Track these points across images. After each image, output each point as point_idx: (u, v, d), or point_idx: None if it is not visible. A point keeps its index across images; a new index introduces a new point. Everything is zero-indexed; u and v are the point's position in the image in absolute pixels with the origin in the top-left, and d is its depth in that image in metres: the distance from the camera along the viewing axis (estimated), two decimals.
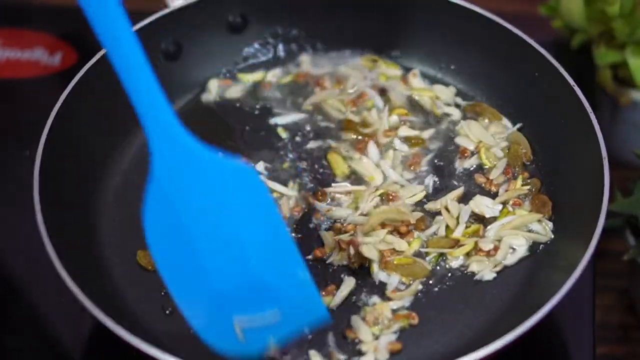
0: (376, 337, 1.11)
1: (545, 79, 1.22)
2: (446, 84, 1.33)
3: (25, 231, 1.18)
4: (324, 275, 1.15)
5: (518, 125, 1.26)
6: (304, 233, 1.19)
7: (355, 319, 1.12)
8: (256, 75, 1.35)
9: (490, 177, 1.22)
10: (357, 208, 1.19)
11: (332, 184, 1.23)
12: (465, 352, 1.01)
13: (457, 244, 1.16)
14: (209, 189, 0.97)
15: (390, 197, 1.20)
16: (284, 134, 1.29)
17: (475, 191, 1.22)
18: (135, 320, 1.11)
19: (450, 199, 1.19)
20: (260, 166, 1.25)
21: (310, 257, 1.16)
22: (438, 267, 1.16)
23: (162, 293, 1.13)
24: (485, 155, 1.23)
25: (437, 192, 1.22)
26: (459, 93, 1.32)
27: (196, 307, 1.01)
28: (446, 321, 1.12)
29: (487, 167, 1.23)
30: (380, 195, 1.20)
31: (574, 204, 1.16)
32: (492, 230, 1.17)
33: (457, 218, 1.18)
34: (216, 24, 1.32)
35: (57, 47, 1.45)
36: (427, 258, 1.16)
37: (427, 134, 1.28)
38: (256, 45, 1.36)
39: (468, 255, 1.16)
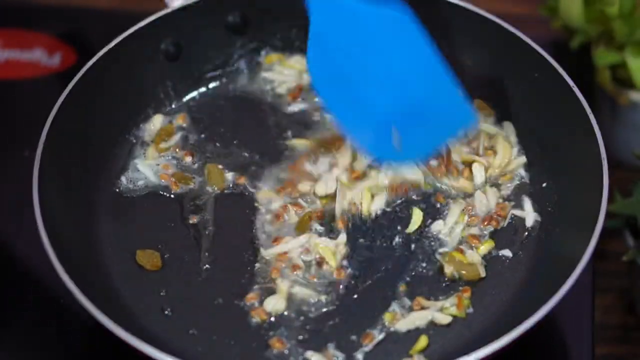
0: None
1: (544, 79, 1.22)
2: None
3: (25, 231, 1.20)
4: None
5: None
6: None
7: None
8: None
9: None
10: None
11: None
12: (465, 353, 1.01)
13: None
14: (364, 32, 1.09)
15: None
16: None
17: None
18: (134, 320, 1.11)
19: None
20: None
21: None
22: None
23: (162, 293, 1.14)
24: None
25: None
26: None
27: (359, 128, 1.12)
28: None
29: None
30: None
31: (573, 204, 1.16)
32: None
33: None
34: (216, 25, 1.32)
35: (57, 48, 1.45)
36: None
37: None
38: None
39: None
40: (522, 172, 1.24)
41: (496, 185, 1.23)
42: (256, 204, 1.22)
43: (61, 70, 1.43)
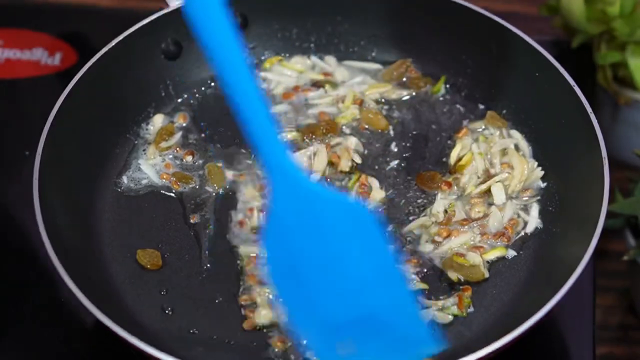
0: None
1: (545, 79, 1.21)
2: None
3: (25, 231, 1.20)
4: None
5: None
6: None
7: None
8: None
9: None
10: None
11: None
12: (465, 353, 1.00)
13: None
14: (323, 221, 0.99)
15: None
16: None
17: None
18: (134, 319, 1.11)
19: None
20: None
21: None
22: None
23: (162, 292, 1.14)
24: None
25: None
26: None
27: (304, 326, 1.02)
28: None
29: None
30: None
31: (574, 204, 1.16)
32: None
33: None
34: None
35: (57, 47, 1.44)
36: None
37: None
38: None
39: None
40: (541, 183, 1.22)
41: (515, 199, 1.21)
42: None
43: (61, 70, 1.42)
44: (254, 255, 1.16)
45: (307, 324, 1.01)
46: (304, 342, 1.04)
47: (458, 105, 1.31)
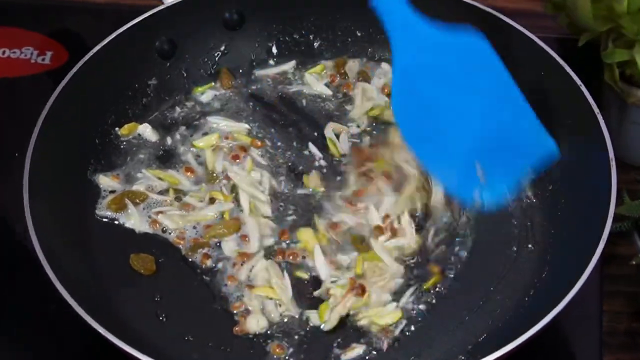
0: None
1: (550, 78, 1.22)
2: None
3: (16, 235, 1.19)
4: None
5: None
6: None
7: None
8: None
9: None
10: None
11: None
12: None
13: None
14: (446, 60, 1.11)
15: None
16: None
17: None
18: (128, 326, 1.10)
19: None
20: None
21: None
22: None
23: (157, 299, 1.13)
24: None
25: None
26: None
27: (441, 165, 1.13)
28: (448, 329, 1.12)
29: None
30: None
31: (581, 206, 1.15)
32: None
33: None
34: (212, 21, 1.31)
35: (48, 46, 1.44)
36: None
37: None
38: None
39: None
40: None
41: None
42: None
43: (52, 69, 1.42)
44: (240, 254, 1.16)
45: (438, 162, 1.12)
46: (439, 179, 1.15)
47: None
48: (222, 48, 1.33)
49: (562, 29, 1.37)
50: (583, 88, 1.17)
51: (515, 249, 1.18)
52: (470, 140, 1.12)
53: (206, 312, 1.12)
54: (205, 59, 1.33)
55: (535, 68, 1.23)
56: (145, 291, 1.13)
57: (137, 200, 1.20)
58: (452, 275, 1.15)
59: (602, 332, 1.17)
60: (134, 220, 1.18)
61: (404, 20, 1.10)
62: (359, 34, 1.35)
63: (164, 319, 1.11)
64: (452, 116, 1.12)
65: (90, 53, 1.21)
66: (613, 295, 1.23)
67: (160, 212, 1.19)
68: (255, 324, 1.10)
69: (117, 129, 1.26)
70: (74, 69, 1.19)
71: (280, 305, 1.12)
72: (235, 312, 1.12)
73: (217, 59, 1.33)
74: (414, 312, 1.13)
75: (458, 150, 1.12)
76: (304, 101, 1.32)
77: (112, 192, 1.21)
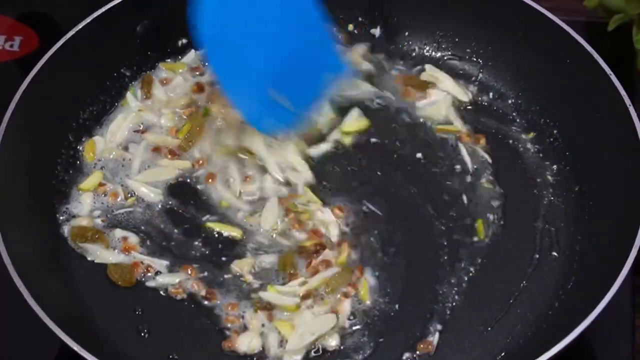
0: None
1: (577, 66, 1.19)
2: (469, 75, 1.29)
3: None
4: None
5: None
6: None
7: None
8: None
9: None
10: None
11: None
12: None
13: None
14: None
15: None
16: None
17: None
18: (107, 343, 1.07)
19: None
20: None
21: None
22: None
23: (137, 312, 1.09)
24: None
25: None
26: (480, 83, 1.29)
27: (241, 91, 1.16)
28: (463, 346, 1.09)
29: None
30: None
31: (610, 210, 1.12)
32: None
33: None
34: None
35: (16, 31, 1.40)
36: None
37: None
38: None
39: None
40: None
41: None
42: None
43: (21, 56, 1.37)
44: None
45: (239, 84, 1.15)
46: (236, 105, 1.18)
47: None
48: None
49: (590, 12, 1.36)
50: (613, 77, 1.15)
51: (537, 256, 1.15)
52: (271, 67, 1.16)
53: (193, 327, 1.08)
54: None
55: (560, 55, 1.20)
56: (124, 304, 1.10)
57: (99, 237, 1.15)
58: (464, 286, 1.12)
59: (635, 349, 1.14)
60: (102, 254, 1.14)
61: None
62: None
63: (146, 335, 1.08)
64: (254, 44, 1.14)
65: (64, 39, 1.18)
66: None
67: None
68: (246, 344, 1.06)
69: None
70: (45, 57, 1.16)
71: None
72: (228, 325, 1.07)
73: None
74: None
75: (258, 78, 1.16)
76: None
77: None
